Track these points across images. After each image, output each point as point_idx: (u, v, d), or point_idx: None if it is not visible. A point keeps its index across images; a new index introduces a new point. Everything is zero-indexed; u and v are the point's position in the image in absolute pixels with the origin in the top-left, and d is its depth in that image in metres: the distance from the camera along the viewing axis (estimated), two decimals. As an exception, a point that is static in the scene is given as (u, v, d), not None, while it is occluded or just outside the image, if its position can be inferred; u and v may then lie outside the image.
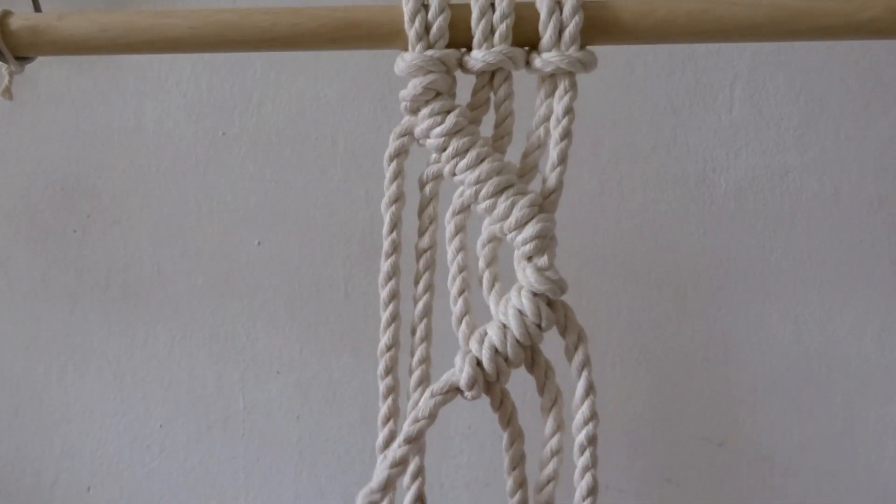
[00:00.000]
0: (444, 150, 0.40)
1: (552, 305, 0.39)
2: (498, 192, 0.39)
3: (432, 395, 0.39)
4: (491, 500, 0.71)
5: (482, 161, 0.39)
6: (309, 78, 0.67)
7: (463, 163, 0.39)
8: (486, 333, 0.39)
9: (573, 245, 0.67)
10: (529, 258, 0.39)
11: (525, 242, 0.39)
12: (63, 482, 0.70)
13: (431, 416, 0.39)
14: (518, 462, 0.41)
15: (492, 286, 0.41)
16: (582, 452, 0.40)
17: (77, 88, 0.67)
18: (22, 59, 0.41)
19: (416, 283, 0.42)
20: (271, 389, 0.69)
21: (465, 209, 0.41)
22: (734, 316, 0.68)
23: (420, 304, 0.42)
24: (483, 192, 0.39)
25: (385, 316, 0.42)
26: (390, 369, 0.42)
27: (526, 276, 0.39)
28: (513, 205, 0.39)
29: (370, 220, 0.68)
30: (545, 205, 0.40)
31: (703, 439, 0.69)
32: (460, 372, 0.39)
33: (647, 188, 0.67)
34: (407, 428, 0.39)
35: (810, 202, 0.67)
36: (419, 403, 0.39)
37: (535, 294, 0.39)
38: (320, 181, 0.67)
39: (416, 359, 0.42)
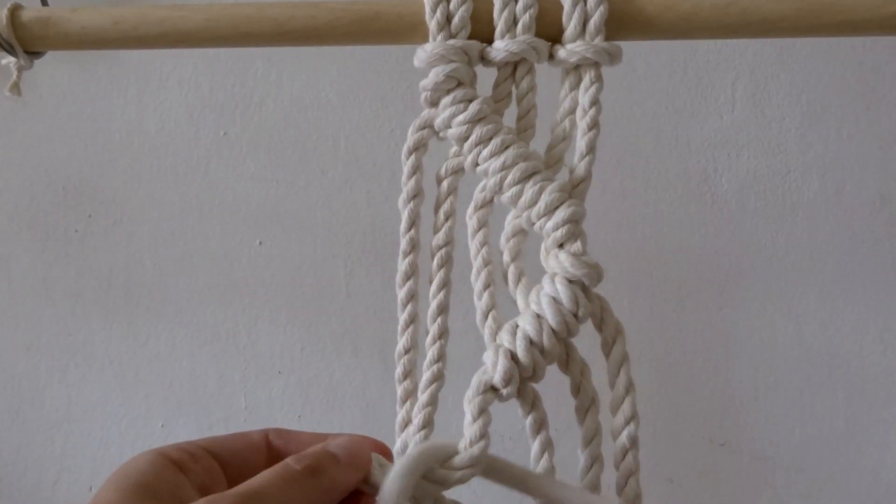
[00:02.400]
0: (467, 138, 0.38)
1: (588, 295, 0.37)
2: (525, 178, 0.38)
3: (474, 396, 0.36)
4: (494, 500, 0.71)
5: (507, 148, 0.38)
6: (310, 77, 0.67)
7: (486, 150, 0.38)
8: (517, 325, 0.37)
9: (574, 245, 0.67)
10: (561, 245, 0.37)
11: (556, 228, 0.37)
12: (65, 482, 0.70)
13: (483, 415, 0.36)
14: (550, 474, 0.38)
15: (518, 280, 0.40)
16: (624, 456, 0.37)
17: (78, 88, 0.67)
18: (32, 53, 0.40)
19: (431, 280, 0.40)
20: (273, 389, 0.69)
21: (487, 203, 0.40)
22: (735, 316, 0.68)
23: (435, 303, 0.40)
24: (509, 178, 0.38)
25: (403, 317, 0.40)
26: (409, 372, 0.40)
27: (560, 261, 0.37)
28: (541, 190, 0.37)
29: (372, 220, 0.68)
30: (574, 192, 0.39)
31: (705, 439, 0.69)
32: (493, 368, 0.36)
33: (649, 188, 0.67)
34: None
35: (812, 202, 0.67)
36: (467, 410, 0.36)
37: (570, 281, 0.37)
38: (322, 181, 0.67)
39: (429, 357, 0.39)
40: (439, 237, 0.40)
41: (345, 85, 0.66)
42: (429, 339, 0.40)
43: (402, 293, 0.40)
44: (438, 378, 0.39)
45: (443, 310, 0.40)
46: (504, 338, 0.37)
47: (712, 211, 0.67)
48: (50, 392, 0.70)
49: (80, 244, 0.68)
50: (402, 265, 0.40)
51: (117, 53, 0.67)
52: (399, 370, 0.40)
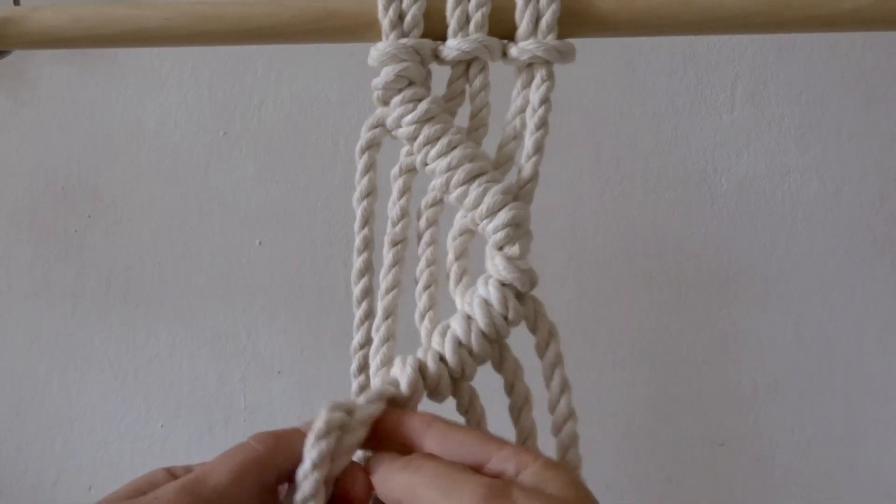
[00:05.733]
0: (416, 138, 0.39)
1: (521, 299, 0.37)
2: (470, 180, 0.38)
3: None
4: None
5: (454, 148, 0.38)
6: (310, 78, 0.67)
7: (434, 150, 0.38)
8: (448, 326, 0.37)
9: (574, 245, 0.67)
10: (500, 247, 0.37)
11: (496, 230, 0.37)
12: (64, 482, 0.70)
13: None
14: None
15: (459, 279, 0.40)
16: (564, 454, 0.36)
17: (78, 88, 0.67)
18: None
19: (383, 278, 0.40)
20: (272, 389, 0.69)
21: (437, 202, 0.40)
22: (735, 316, 0.68)
23: (387, 300, 0.40)
24: (454, 179, 0.38)
25: (359, 313, 0.40)
26: (363, 368, 0.40)
27: (495, 264, 0.37)
28: (485, 192, 0.37)
29: (371, 220, 0.68)
30: (520, 194, 0.38)
31: (704, 439, 0.69)
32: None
33: (649, 188, 0.67)
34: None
35: (811, 202, 0.67)
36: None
37: (503, 284, 0.37)
38: (321, 181, 0.67)
39: (378, 360, 0.39)
40: (395, 234, 0.41)
41: (344, 85, 0.66)
42: (378, 339, 0.40)
43: (357, 289, 0.40)
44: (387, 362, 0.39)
45: (393, 310, 0.40)
46: (435, 339, 0.37)
47: (712, 211, 0.67)
48: (50, 392, 0.70)
49: (79, 244, 0.68)
50: (358, 262, 0.40)
51: (116, 54, 0.67)
52: (354, 365, 0.40)
